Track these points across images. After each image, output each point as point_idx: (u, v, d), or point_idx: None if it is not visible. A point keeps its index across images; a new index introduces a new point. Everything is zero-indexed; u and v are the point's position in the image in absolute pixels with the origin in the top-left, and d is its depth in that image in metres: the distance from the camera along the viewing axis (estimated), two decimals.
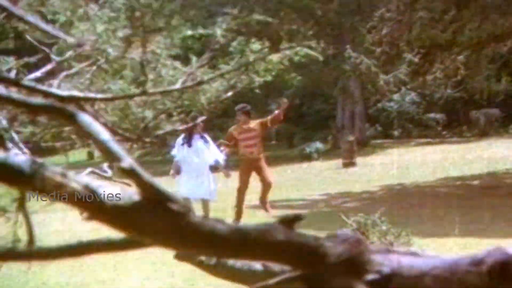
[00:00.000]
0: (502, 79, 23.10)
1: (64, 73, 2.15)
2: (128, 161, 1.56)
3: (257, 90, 2.64)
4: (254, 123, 14.27)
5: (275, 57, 2.44)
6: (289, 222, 1.75)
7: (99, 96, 2.08)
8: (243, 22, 2.10)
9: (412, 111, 32.39)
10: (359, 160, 24.80)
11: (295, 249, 1.73)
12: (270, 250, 1.72)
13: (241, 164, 14.40)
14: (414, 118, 32.47)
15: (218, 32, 2.18)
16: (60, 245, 1.80)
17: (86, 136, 1.61)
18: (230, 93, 2.53)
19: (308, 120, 32.83)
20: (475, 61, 18.22)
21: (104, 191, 1.58)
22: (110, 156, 1.58)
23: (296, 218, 1.76)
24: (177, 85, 2.13)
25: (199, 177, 13.70)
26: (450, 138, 30.75)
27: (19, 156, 1.60)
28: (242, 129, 14.19)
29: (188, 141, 13.61)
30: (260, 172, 14.22)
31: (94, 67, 2.41)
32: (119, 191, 1.60)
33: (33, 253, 1.82)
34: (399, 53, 17.91)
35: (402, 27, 17.23)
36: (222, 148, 14.28)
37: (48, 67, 2.77)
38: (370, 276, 1.67)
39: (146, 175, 1.59)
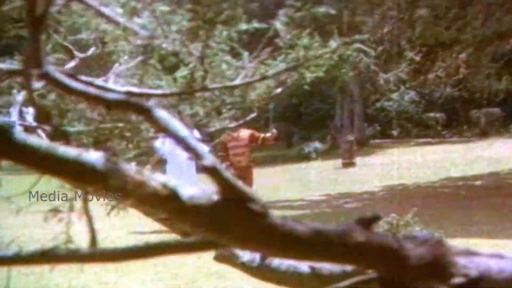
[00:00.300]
0: (502, 78, 23.04)
1: (120, 69, 2.08)
2: (210, 159, 1.49)
3: (306, 87, 2.57)
4: (244, 132, 14.11)
5: (325, 51, 2.37)
6: (366, 222, 1.68)
7: (158, 92, 2.01)
8: (307, 15, 2.02)
9: (411, 111, 32.34)
10: (358, 160, 24.76)
11: (375, 251, 1.66)
12: (349, 251, 1.65)
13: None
14: (413, 118, 32.41)
15: (278, 25, 2.11)
16: (126, 247, 1.73)
17: (163, 132, 1.54)
18: (279, 89, 2.46)
19: (307, 119, 32.75)
20: (476, 60, 18.16)
21: (183, 191, 1.50)
22: (191, 153, 1.50)
23: (374, 219, 1.68)
24: (237, 81, 2.05)
25: (184, 170, 13.48)
26: (450, 138, 30.72)
27: (92, 153, 1.52)
28: (232, 137, 14.05)
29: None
30: (245, 182, 14.04)
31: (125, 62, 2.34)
32: (198, 190, 1.52)
33: (96, 254, 1.75)
34: (400, 51, 17.85)
35: (404, 25, 17.17)
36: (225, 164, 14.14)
37: (72, 63, 2.69)
38: (456, 280, 1.60)
39: (227, 174, 1.51)
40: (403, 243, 1.67)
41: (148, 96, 2.00)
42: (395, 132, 32.52)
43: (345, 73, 2.42)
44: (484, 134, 29.55)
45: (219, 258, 2.84)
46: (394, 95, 31.31)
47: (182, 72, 2.44)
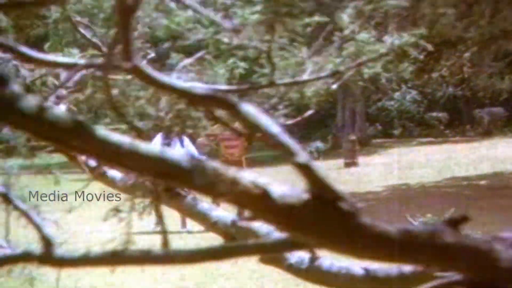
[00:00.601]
0: (505, 77, 22.97)
1: (182, 64, 2.01)
2: (304, 156, 1.42)
3: (360, 83, 2.51)
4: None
5: (381, 46, 2.30)
6: (455, 223, 1.61)
7: (223, 87, 1.94)
8: (377, 7, 1.96)
9: (413, 110, 32.22)
10: (360, 159, 24.64)
11: (464, 252, 1.59)
12: (439, 253, 1.58)
13: None
14: (415, 117, 32.29)
15: (346, 19, 2.04)
16: (202, 248, 1.66)
17: (251, 128, 1.47)
18: (336, 85, 2.39)
19: (307, 118, 32.46)
20: (480, 59, 18.08)
21: (273, 189, 1.44)
22: (283, 150, 1.43)
23: (463, 219, 1.62)
24: (305, 76, 1.99)
25: None
26: (453, 137, 30.55)
27: (175, 150, 1.46)
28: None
29: (165, 142, 12.79)
30: None
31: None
32: (288, 189, 1.46)
33: (170, 256, 1.68)
34: (403, 50, 17.67)
35: (408, 23, 17.06)
36: (201, 139, 13.83)
37: (100, 60, 2.63)
38: None
39: (320, 172, 1.45)
40: (493, 245, 1.61)
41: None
42: (396, 132, 32.42)
43: (403, 69, 2.34)
44: (487, 133, 29.38)
45: (265, 260, 2.77)
46: (396, 95, 31.23)
47: (221, 69, 2.38)
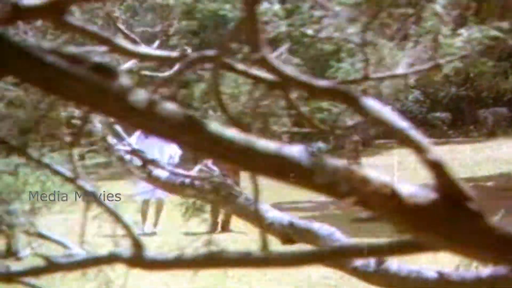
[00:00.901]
0: (509, 77, 22.90)
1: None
2: (435, 153, 1.33)
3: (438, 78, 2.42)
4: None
5: (457, 40, 2.21)
6: None
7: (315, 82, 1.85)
8: None
9: (415, 110, 32.09)
10: (363, 160, 24.52)
11: None
12: None
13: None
14: (417, 117, 32.16)
15: (438, 8, 1.95)
16: (305, 250, 1.57)
17: (375, 123, 1.38)
18: (413, 79, 2.30)
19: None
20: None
21: (401, 188, 1.35)
22: (412, 147, 1.35)
23: None
24: (399, 69, 1.89)
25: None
26: (457, 138, 30.43)
27: (293, 147, 1.37)
28: None
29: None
30: (232, 177, 13.51)
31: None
32: (415, 188, 1.37)
33: (271, 259, 1.59)
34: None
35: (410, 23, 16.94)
36: None
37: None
38: None
39: (451, 170, 1.36)
40: None
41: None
42: None
43: (482, 64, 2.25)
44: (491, 134, 29.23)
45: (327, 263, 2.68)
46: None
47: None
